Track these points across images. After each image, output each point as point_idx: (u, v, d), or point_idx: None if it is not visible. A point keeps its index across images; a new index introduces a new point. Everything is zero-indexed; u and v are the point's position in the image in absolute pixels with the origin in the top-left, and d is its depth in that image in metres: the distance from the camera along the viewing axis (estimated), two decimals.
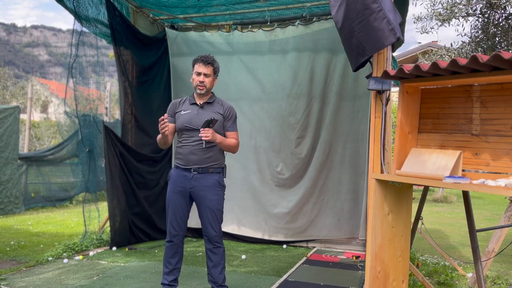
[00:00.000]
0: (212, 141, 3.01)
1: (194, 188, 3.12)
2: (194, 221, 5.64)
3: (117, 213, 4.93)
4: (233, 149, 3.22)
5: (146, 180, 5.40)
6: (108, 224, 5.02)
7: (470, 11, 4.85)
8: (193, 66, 3.19)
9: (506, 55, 1.83)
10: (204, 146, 3.06)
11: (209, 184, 3.12)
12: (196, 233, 5.67)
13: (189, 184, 3.12)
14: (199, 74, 3.14)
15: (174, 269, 3.21)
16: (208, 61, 3.14)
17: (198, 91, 3.15)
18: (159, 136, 3.13)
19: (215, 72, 3.20)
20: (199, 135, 2.95)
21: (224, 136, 3.20)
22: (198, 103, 3.19)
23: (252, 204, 5.45)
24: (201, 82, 3.12)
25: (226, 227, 5.52)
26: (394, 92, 4.17)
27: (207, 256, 3.20)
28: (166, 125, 2.97)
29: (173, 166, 3.30)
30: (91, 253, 4.63)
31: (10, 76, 22.93)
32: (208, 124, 2.94)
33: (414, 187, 9.75)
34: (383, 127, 2.65)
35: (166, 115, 2.99)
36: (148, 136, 5.59)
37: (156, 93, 5.65)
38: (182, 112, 3.17)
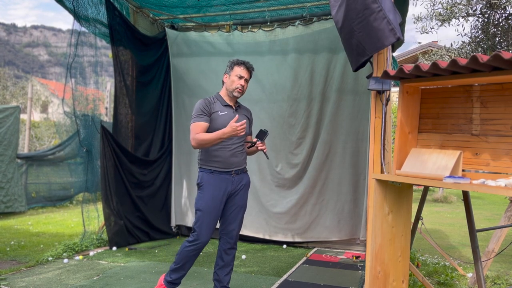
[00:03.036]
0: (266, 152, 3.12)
1: (234, 189, 3.11)
2: None
3: (112, 212, 4.94)
4: None
5: (141, 181, 5.40)
6: (107, 224, 5.02)
7: (470, 11, 4.85)
8: (232, 68, 3.10)
9: (506, 55, 1.83)
10: (267, 159, 3.22)
11: (245, 183, 3.19)
12: None
13: (231, 186, 3.08)
14: (241, 78, 3.07)
15: (186, 271, 3.15)
16: (250, 68, 3.13)
17: (236, 94, 3.09)
18: (213, 137, 2.92)
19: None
20: (260, 148, 3.06)
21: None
22: (232, 105, 3.15)
23: (253, 204, 5.45)
24: (242, 86, 3.08)
25: None
26: (394, 92, 4.17)
27: (218, 255, 3.17)
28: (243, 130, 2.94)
29: (201, 170, 3.09)
30: (91, 253, 4.63)
31: (10, 76, 22.90)
32: (265, 136, 3.08)
33: (414, 187, 9.76)
34: (383, 127, 2.65)
35: (244, 121, 2.93)
36: (147, 136, 5.60)
37: (155, 93, 5.65)
38: (220, 113, 3.05)
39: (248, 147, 3.19)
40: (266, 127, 5.41)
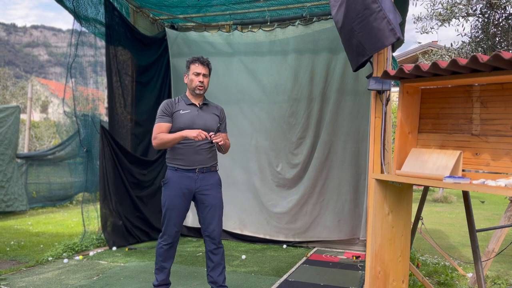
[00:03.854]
0: (222, 145, 3.06)
1: (200, 188, 3.13)
2: (196, 221, 5.65)
3: (112, 213, 4.94)
4: (228, 149, 3.29)
5: (140, 181, 5.40)
6: (107, 224, 5.02)
7: (470, 11, 4.84)
8: (189, 67, 3.17)
9: (506, 55, 1.83)
10: (223, 152, 3.16)
11: (213, 182, 3.18)
12: (198, 232, 5.67)
13: (195, 184, 3.11)
14: (198, 74, 3.13)
15: (168, 269, 3.23)
16: (205, 62, 3.17)
17: (198, 92, 3.14)
18: (170, 137, 3.02)
19: (210, 73, 3.23)
20: (214, 140, 3.00)
21: None
22: (196, 103, 3.19)
23: (254, 204, 5.45)
24: (201, 82, 3.13)
25: (228, 227, 5.52)
26: (394, 92, 4.17)
27: (207, 257, 3.19)
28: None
29: (168, 168, 3.20)
30: (91, 253, 4.62)
31: (10, 76, 22.88)
32: (218, 129, 3.10)
33: (414, 187, 9.75)
34: (383, 127, 2.65)
35: (211, 133, 3.02)
36: (146, 136, 5.59)
37: (154, 93, 5.66)
38: (181, 112, 3.12)
39: (211, 143, 3.17)
40: (266, 127, 5.42)
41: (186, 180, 3.10)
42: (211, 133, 3.01)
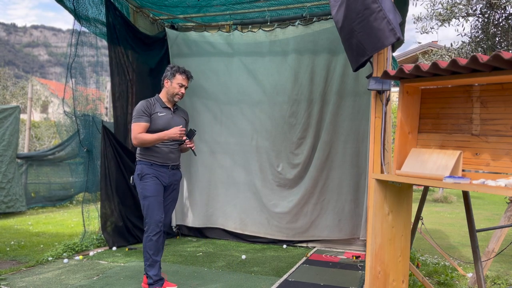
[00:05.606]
0: (194, 149, 3.52)
1: (171, 183, 3.47)
2: (197, 221, 5.67)
3: (113, 213, 4.93)
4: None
5: None
6: (108, 224, 5.02)
7: (470, 11, 4.85)
8: (174, 75, 3.41)
9: (506, 55, 1.83)
10: (195, 155, 3.69)
11: (179, 178, 3.57)
12: (198, 232, 5.67)
13: (168, 179, 3.42)
14: (182, 86, 3.43)
15: (159, 263, 3.38)
16: (191, 77, 3.51)
17: (176, 100, 3.45)
18: (153, 137, 3.27)
19: None
20: (188, 145, 3.43)
21: None
22: (170, 107, 3.48)
23: (255, 204, 5.46)
24: (182, 94, 3.45)
25: (229, 227, 5.52)
26: (394, 92, 4.17)
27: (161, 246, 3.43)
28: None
29: (140, 162, 3.39)
30: (91, 253, 4.63)
31: (10, 76, 22.84)
32: (193, 135, 3.49)
33: (414, 187, 9.75)
34: (383, 127, 2.65)
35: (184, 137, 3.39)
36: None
37: (155, 93, 5.64)
38: (159, 114, 3.38)
39: (179, 145, 3.51)
40: (267, 127, 5.42)
41: (163, 173, 3.38)
42: (185, 138, 3.39)
